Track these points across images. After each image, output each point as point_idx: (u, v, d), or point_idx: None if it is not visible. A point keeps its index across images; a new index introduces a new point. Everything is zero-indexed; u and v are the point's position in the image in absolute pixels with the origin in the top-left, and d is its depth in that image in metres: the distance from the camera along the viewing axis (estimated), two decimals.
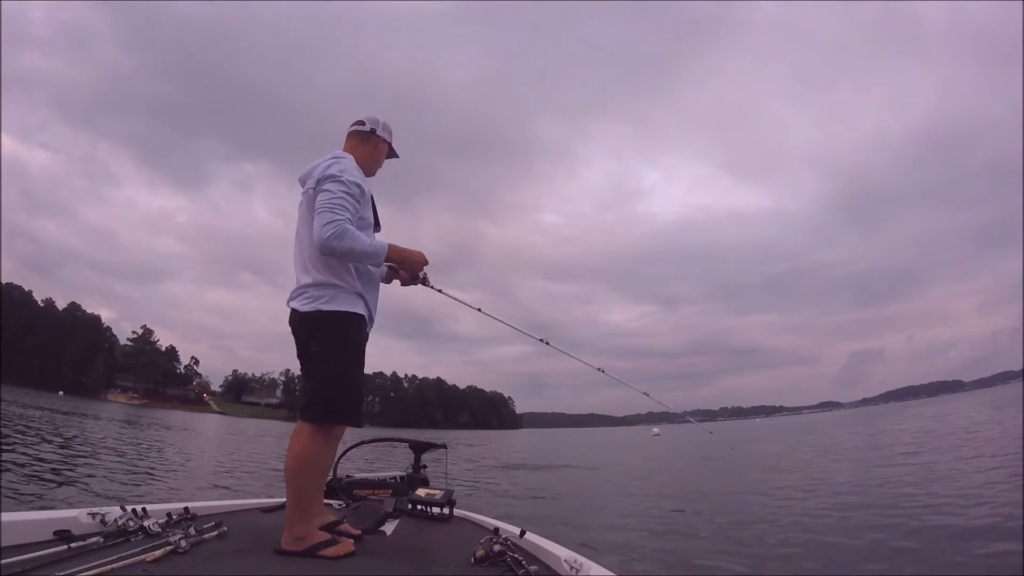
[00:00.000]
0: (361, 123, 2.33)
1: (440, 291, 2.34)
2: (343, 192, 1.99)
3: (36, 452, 10.37)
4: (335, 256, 1.98)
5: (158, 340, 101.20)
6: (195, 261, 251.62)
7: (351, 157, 2.17)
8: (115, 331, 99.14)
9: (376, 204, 2.30)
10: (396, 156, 2.48)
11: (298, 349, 2.10)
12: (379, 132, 2.33)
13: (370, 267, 2.17)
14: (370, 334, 2.25)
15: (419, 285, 2.30)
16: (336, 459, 3.48)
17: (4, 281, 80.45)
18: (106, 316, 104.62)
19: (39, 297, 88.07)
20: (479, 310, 2.58)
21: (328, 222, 1.91)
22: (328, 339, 2.02)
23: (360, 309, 2.08)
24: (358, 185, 2.07)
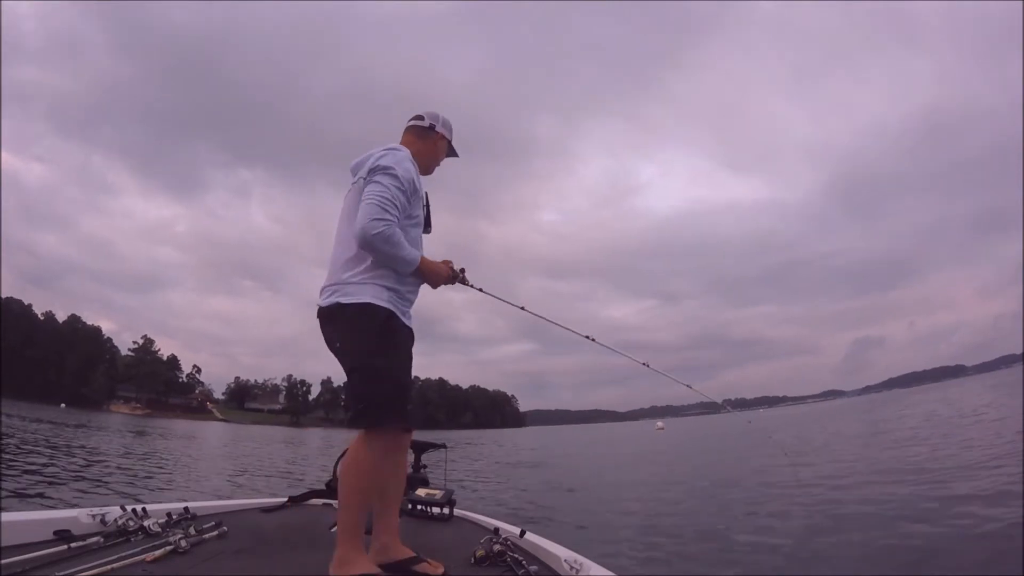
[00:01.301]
0: (420, 118, 2.19)
1: (481, 290, 2.22)
2: (396, 187, 1.88)
3: (37, 454, 10.39)
4: (373, 253, 1.87)
5: (159, 349, 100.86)
6: (194, 269, 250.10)
7: (407, 151, 2.04)
8: (116, 342, 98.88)
9: (430, 205, 2.17)
10: (456, 155, 2.32)
11: (329, 350, 1.96)
12: (438, 128, 2.19)
13: None
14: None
15: (456, 284, 2.16)
16: (336, 459, 3.50)
17: (3, 295, 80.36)
18: (106, 327, 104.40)
19: (39, 310, 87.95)
20: (523, 308, 2.46)
21: (377, 218, 1.81)
22: (348, 332, 1.88)
23: (383, 302, 1.89)
24: (412, 181, 1.96)
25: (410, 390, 2.01)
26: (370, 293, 1.88)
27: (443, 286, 2.15)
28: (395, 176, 1.89)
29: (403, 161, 1.95)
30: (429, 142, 2.17)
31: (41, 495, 6.41)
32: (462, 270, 2.14)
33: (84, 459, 11.23)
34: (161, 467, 11.92)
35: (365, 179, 1.92)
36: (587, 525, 6.62)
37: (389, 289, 1.92)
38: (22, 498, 5.99)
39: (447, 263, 2.10)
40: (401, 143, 2.13)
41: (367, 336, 1.85)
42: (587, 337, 2.61)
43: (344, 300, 1.88)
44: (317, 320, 1.98)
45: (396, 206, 1.86)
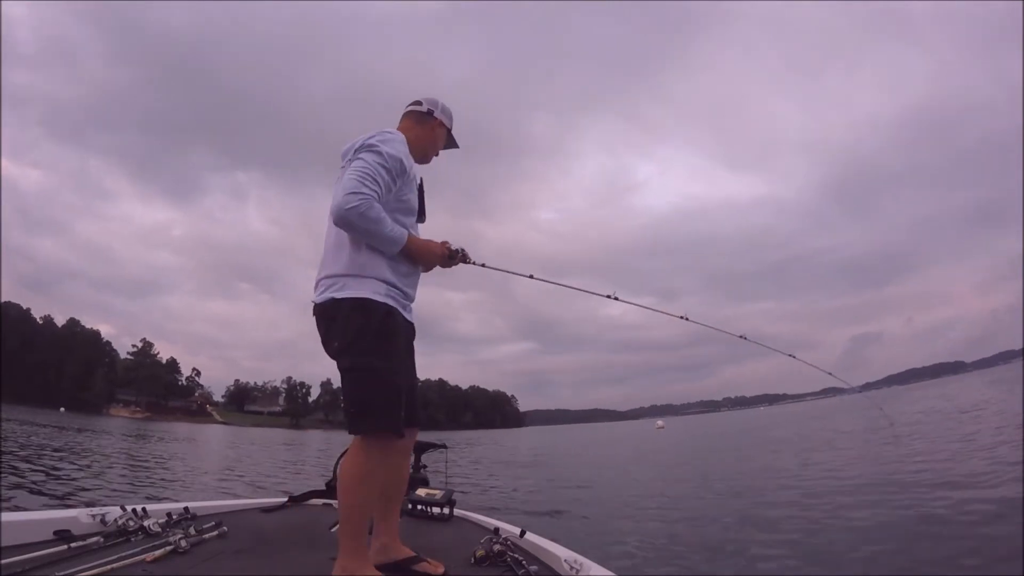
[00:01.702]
0: (418, 103, 2.09)
1: (483, 265, 2.12)
2: (378, 163, 1.75)
3: (37, 455, 10.38)
4: (350, 229, 1.73)
5: (158, 353, 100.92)
6: (192, 273, 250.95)
7: (401, 134, 1.93)
8: (115, 346, 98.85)
9: (425, 193, 2.05)
10: (456, 146, 2.21)
11: (324, 350, 1.82)
12: (436, 114, 2.09)
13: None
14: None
15: (458, 264, 2.04)
16: (336, 460, 3.50)
17: (2, 299, 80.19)
18: (105, 331, 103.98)
19: (37, 314, 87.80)
20: (531, 276, 2.40)
21: (353, 191, 1.66)
22: (344, 329, 1.73)
23: (381, 297, 1.77)
24: (399, 161, 1.82)
25: (414, 392, 1.93)
26: (368, 287, 1.76)
27: (443, 269, 2.03)
28: (379, 152, 1.77)
29: (392, 140, 1.84)
30: (427, 128, 2.08)
31: (41, 495, 6.40)
32: (462, 249, 2.01)
33: (84, 461, 11.22)
34: (162, 468, 11.90)
35: (350, 160, 1.80)
36: (587, 525, 6.62)
37: (387, 283, 1.80)
38: (22, 498, 5.98)
39: (444, 243, 1.99)
40: (398, 128, 2.03)
41: (364, 334, 1.72)
42: (609, 296, 2.59)
43: (339, 295, 1.75)
44: (313, 319, 1.84)
45: (377, 181, 1.72)
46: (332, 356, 1.78)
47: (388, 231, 1.76)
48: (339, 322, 1.74)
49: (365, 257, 1.78)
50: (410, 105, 2.11)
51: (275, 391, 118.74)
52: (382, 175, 1.75)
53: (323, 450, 23.85)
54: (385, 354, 1.75)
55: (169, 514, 2.19)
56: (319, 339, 1.83)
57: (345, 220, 1.68)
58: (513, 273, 2.30)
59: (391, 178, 1.79)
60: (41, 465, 9.42)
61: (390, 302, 1.79)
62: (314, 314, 1.83)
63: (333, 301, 1.75)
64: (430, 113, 2.08)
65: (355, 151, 1.81)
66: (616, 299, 2.59)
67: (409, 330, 1.91)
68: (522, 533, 2.33)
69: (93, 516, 1.96)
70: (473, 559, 1.98)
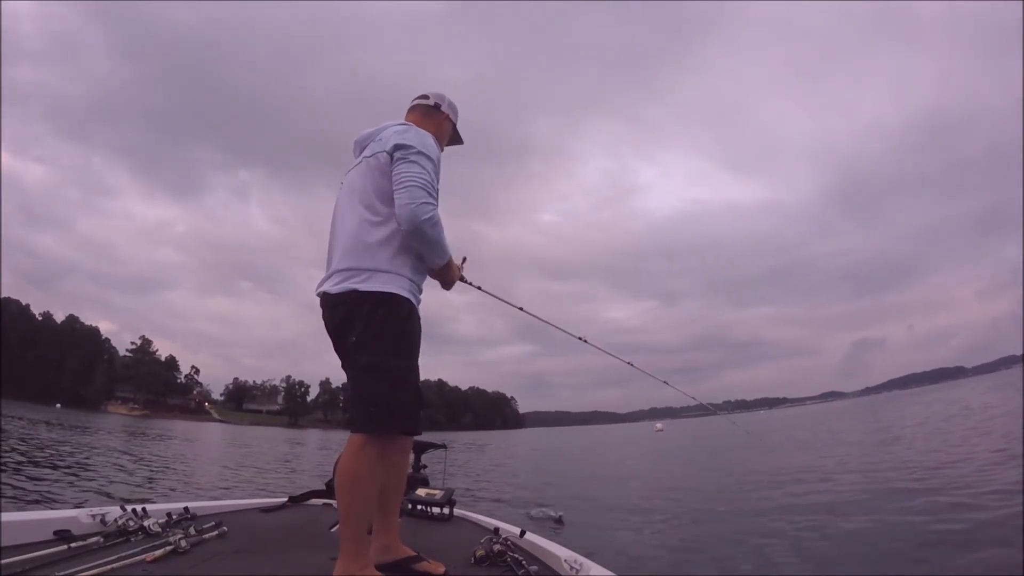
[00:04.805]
0: (424, 97, 2.07)
1: (479, 288, 2.15)
2: (432, 170, 1.75)
3: (37, 454, 10.38)
4: (420, 238, 1.71)
5: (157, 350, 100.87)
6: (194, 270, 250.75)
7: (431, 135, 1.91)
8: (114, 343, 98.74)
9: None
10: (460, 142, 2.19)
11: (334, 343, 1.76)
12: (444, 108, 2.08)
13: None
14: None
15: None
16: (336, 459, 3.49)
17: (2, 295, 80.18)
18: (105, 328, 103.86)
19: (37, 310, 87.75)
20: (521, 309, 2.43)
21: (426, 201, 1.67)
22: (367, 325, 1.66)
23: (406, 293, 1.73)
24: (439, 164, 1.84)
25: None
26: (395, 283, 1.71)
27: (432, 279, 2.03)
28: (430, 159, 1.77)
29: (430, 142, 1.83)
30: (434, 122, 2.04)
31: (41, 495, 6.40)
32: (463, 259, 2.05)
33: (83, 459, 11.21)
34: (162, 467, 11.90)
35: (390, 154, 1.76)
36: (587, 525, 6.63)
37: (410, 280, 1.76)
38: (22, 498, 5.98)
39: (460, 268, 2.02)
40: (406, 120, 2.01)
41: (389, 331, 1.67)
42: (580, 338, 2.62)
43: (363, 287, 1.68)
44: (315, 315, 1.78)
45: (436, 189, 1.75)
46: (345, 350, 1.72)
47: (446, 243, 1.79)
48: (361, 316, 1.67)
49: (395, 253, 1.73)
50: (416, 99, 2.09)
51: (274, 390, 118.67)
52: (435, 184, 1.76)
53: (322, 449, 23.86)
54: (408, 353, 1.72)
55: (169, 514, 2.18)
56: (323, 333, 1.76)
57: (419, 229, 1.67)
58: (504, 301, 2.36)
59: (437, 183, 1.81)
60: (40, 464, 9.41)
61: (412, 300, 1.77)
62: (324, 305, 1.76)
63: (355, 293, 1.68)
64: (437, 107, 2.07)
65: (395, 147, 1.77)
66: (585, 341, 2.62)
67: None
68: (522, 533, 2.32)
69: (93, 516, 1.96)
70: (473, 559, 1.97)
